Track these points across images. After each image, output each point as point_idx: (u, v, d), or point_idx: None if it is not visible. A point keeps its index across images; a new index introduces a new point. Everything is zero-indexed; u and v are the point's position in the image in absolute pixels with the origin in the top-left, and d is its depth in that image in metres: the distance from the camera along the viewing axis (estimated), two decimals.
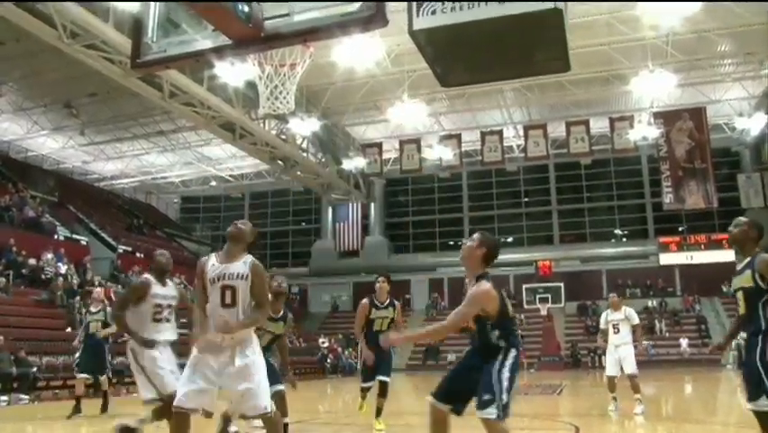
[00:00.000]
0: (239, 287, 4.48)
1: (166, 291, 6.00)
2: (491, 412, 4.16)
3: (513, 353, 4.42)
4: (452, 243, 37.37)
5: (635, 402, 9.36)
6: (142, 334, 5.75)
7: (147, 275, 6.13)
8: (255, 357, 4.51)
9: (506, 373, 4.34)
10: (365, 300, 7.73)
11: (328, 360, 28.26)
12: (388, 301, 7.70)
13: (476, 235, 4.61)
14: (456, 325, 4.49)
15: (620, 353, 9.60)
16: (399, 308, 7.87)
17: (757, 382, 4.35)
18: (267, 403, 4.40)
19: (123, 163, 36.15)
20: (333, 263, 37.52)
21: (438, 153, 30.09)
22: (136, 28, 4.17)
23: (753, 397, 4.38)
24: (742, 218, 4.82)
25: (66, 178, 34.16)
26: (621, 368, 9.58)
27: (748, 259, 4.60)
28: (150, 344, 5.73)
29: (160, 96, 22.12)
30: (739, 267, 4.67)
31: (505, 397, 4.25)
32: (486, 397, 4.21)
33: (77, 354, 11.02)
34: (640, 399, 9.39)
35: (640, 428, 8.75)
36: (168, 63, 4.17)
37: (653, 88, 24.99)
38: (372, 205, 37.38)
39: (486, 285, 4.37)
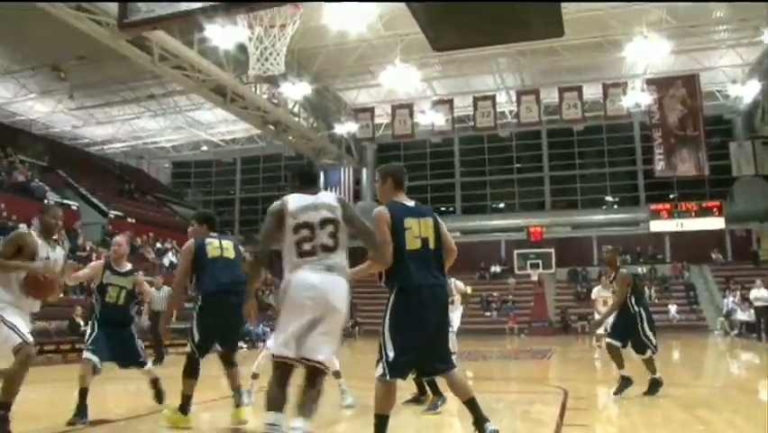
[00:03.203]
0: None
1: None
2: (378, 370, 4.01)
3: (393, 293, 4.12)
4: (443, 208, 37.39)
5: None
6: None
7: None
8: None
9: (386, 325, 4.06)
10: None
11: None
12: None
13: (377, 174, 4.55)
14: (384, 247, 4.15)
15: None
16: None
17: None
18: None
19: (113, 128, 35.81)
20: None
21: (430, 119, 29.95)
22: None
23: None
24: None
25: (56, 142, 33.84)
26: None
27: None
28: None
29: (150, 60, 21.84)
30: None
31: (390, 353, 3.98)
32: (377, 355, 4.08)
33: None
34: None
35: (626, 391, 8.84)
36: (155, 23, 4.10)
37: (647, 55, 24.83)
38: (364, 170, 37.24)
39: (381, 207, 4.29)
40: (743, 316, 23.22)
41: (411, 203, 4.35)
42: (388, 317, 4.08)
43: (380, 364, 4.01)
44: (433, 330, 4.11)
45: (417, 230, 4.18)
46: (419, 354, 4.07)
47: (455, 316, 9.75)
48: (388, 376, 3.96)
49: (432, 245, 4.22)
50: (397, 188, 4.39)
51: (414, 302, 4.04)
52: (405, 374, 4.09)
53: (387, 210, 4.21)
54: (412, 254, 4.14)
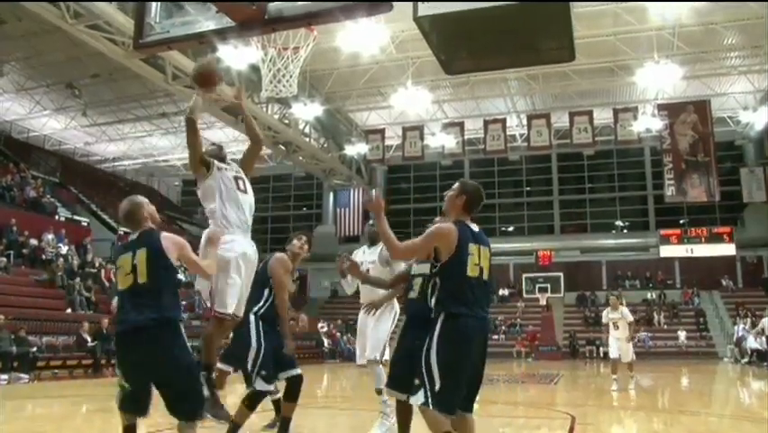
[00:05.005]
0: None
1: None
2: (419, 398, 3.81)
3: (442, 318, 3.88)
4: None
5: (630, 379, 12.52)
6: None
7: None
8: None
9: (433, 352, 3.84)
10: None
11: (326, 345, 28.32)
12: None
13: (456, 184, 4.33)
14: (406, 250, 4.17)
15: (620, 344, 12.33)
16: None
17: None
18: None
19: (125, 145, 36.08)
20: (333, 249, 37.35)
21: (441, 141, 30.01)
22: (139, 8, 4.14)
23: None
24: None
25: (67, 159, 34.07)
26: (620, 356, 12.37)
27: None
28: None
29: (163, 79, 22.04)
30: None
31: (438, 382, 3.77)
32: (416, 381, 3.87)
33: None
34: (632, 376, 12.65)
35: (635, 418, 8.78)
36: (170, 44, 4.15)
37: (659, 80, 24.83)
38: (374, 191, 37.32)
39: (448, 223, 4.08)
40: (753, 343, 22.98)
41: (476, 228, 4.15)
42: (436, 343, 3.84)
43: (423, 392, 3.80)
44: (478, 365, 3.99)
45: (477, 258, 4.00)
46: (465, 387, 3.93)
47: None
48: (430, 405, 3.75)
49: (485, 276, 4.05)
50: (467, 210, 4.22)
51: (464, 331, 3.86)
52: (452, 409, 3.80)
53: (455, 230, 4.03)
54: (471, 282, 3.96)
